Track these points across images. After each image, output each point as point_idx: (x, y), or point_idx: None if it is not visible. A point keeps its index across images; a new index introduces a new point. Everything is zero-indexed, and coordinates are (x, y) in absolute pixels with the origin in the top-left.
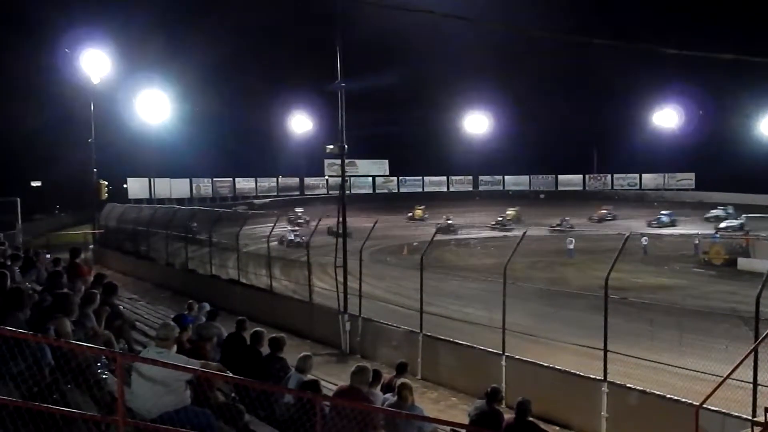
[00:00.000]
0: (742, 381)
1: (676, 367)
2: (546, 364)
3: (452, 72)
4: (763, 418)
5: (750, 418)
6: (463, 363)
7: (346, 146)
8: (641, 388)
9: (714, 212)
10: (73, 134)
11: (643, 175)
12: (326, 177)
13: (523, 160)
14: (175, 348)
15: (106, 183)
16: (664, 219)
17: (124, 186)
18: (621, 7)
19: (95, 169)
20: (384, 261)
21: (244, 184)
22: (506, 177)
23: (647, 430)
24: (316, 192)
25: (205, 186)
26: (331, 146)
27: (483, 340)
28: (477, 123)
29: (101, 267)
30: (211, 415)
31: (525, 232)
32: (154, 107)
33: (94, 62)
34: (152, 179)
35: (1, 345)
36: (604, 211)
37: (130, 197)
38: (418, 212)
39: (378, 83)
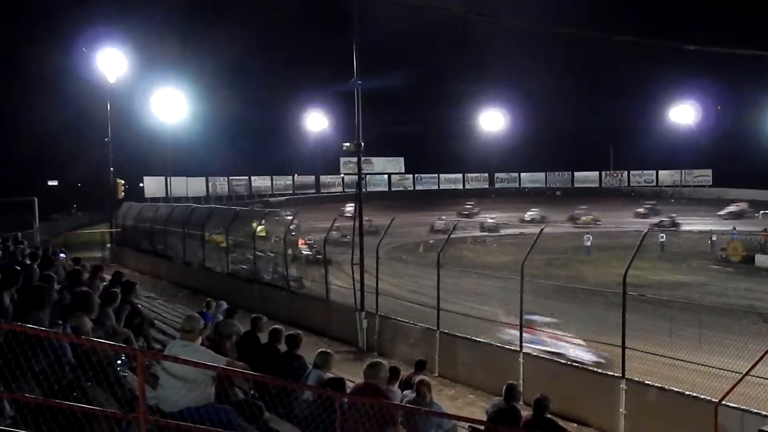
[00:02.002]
0: (761, 378)
1: (694, 363)
2: (564, 361)
3: (468, 70)
4: None
5: None
6: (480, 360)
7: (362, 144)
8: (660, 385)
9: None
10: (90, 134)
11: (660, 172)
12: (342, 175)
13: (539, 157)
14: (200, 340)
15: (123, 182)
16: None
17: (141, 185)
18: (638, 2)
19: (112, 168)
20: (400, 259)
21: (260, 182)
22: (522, 174)
23: (666, 427)
24: (332, 190)
25: (221, 184)
26: (348, 144)
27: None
28: (493, 120)
29: (118, 266)
30: (233, 412)
31: (542, 229)
32: (170, 106)
33: (111, 61)
34: (168, 178)
35: (22, 343)
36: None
37: (146, 196)
38: (349, 209)
39: (394, 81)
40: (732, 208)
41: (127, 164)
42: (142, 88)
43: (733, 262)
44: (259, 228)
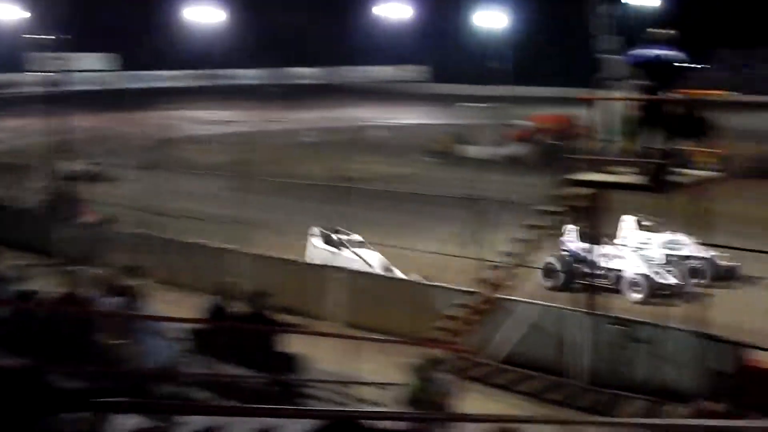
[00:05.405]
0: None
1: (408, 249)
2: (275, 256)
3: None
4: None
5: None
6: (198, 262)
7: (63, 36)
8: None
9: None
10: None
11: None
12: (35, 72)
13: (259, 53)
14: None
15: None
16: None
17: None
18: None
19: None
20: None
21: None
22: (241, 71)
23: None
24: (15, 90)
25: None
26: (40, 36)
27: (222, 237)
28: (207, 14)
29: None
30: None
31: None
32: None
33: None
34: None
35: None
36: None
37: None
38: None
39: None
40: None
41: None
42: None
43: (446, 154)
44: None
